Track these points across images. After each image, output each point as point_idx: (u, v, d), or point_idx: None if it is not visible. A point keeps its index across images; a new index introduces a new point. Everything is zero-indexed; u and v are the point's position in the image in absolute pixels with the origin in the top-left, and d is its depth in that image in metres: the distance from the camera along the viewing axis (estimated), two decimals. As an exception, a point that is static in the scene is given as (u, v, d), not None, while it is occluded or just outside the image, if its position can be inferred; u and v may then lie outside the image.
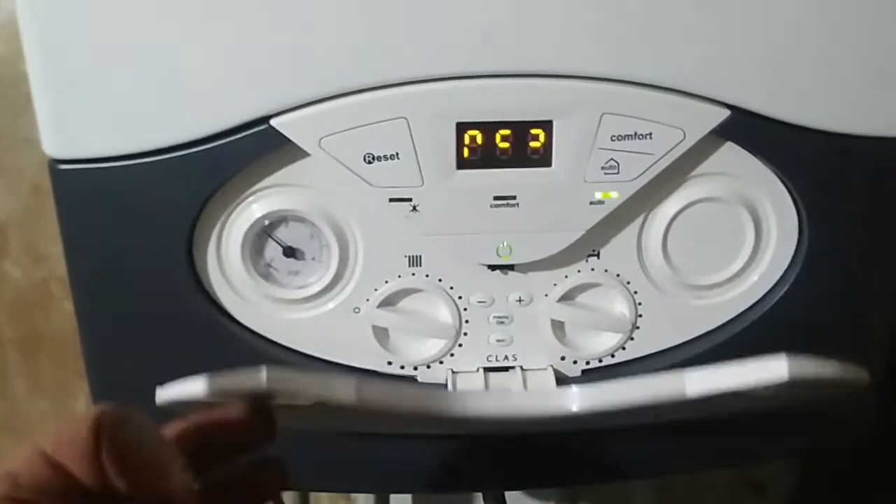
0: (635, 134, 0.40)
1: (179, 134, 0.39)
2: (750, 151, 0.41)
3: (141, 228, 0.41)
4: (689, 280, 0.44)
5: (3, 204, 0.74)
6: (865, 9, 0.38)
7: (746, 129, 0.40)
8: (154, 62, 0.37)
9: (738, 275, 0.44)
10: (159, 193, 0.40)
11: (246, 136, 0.39)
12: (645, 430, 0.43)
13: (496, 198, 0.41)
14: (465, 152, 0.40)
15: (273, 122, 0.38)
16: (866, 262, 0.44)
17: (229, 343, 0.43)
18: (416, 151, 0.39)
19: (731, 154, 0.41)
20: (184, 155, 0.39)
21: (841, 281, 0.45)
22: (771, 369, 0.35)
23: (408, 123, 0.39)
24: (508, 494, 0.61)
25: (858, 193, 0.42)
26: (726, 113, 0.40)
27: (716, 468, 0.52)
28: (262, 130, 0.39)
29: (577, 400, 0.39)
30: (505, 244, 0.42)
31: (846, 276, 0.44)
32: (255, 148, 0.39)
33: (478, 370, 0.44)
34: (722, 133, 0.40)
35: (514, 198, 0.41)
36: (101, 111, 0.38)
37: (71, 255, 0.42)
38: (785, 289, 0.44)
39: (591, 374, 0.45)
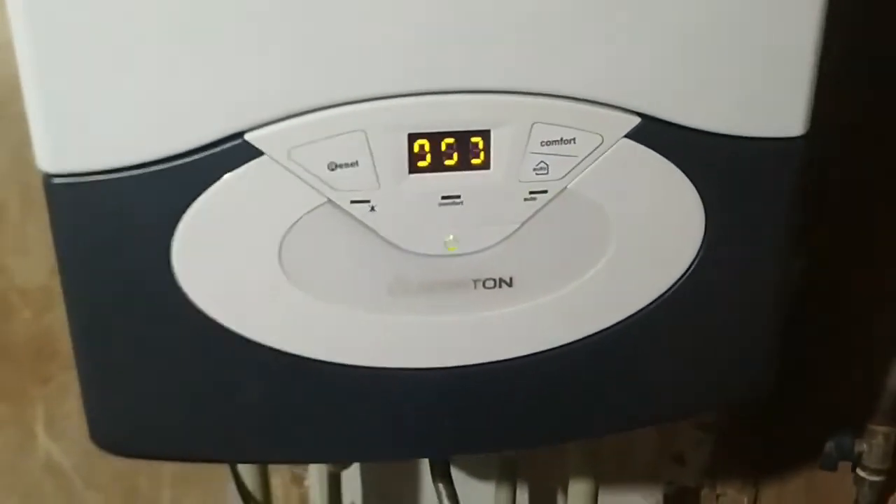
0: (561, 139, 0.46)
1: (163, 148, 0.44)
2: (659, 153, 0.48)
3: (126, 236, 0.45)
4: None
5: (-39, 219, 0.77)
6: (748, 20, 0.45)
7: (655, 133, 0.47)
8: (141, 83, 0.42)
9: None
10: (144, 203, 0.45)
11: (223, 149, 0.44)
12: (570, 392, 0.50)
13: (443, 197, 0.47)
14: (416, 159, 0.46)
15: (247, 136, 0.44)
16: (760, 251, 0.52)
17: (211, 342, 0.48)
18: (373, 159, 0.45)
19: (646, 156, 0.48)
20: (167, 168, 0.44)
21: (739, 267, 0.52)
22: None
23: (365, 135, 0.44)
24: (455, 474, 0.68)
25: (753, 189, 0.50)
26: (637, 120, 0.46)
27: (635, 428, 0.59)
28: (237, 145, 0.44)
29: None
30: (452, 237, 0.48)
31: (744, 263, 0.52)
32: (230, 160, 0.44)
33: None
34: (635, 137, 0.47)
35: (458, 197, 0.47)
36: (89, 129, 0.43)
37: (63, 262, 0.46)
38: (689, 272, 0.51)
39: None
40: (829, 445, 0.76)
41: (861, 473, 0.76)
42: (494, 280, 0.49)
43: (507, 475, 0.83)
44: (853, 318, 0.81)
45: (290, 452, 0.53)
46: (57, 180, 0.44)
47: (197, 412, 0.50)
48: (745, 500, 0.95)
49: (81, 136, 0.43)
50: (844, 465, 0.78)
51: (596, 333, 0.52)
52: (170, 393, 0.49)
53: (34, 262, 0.78)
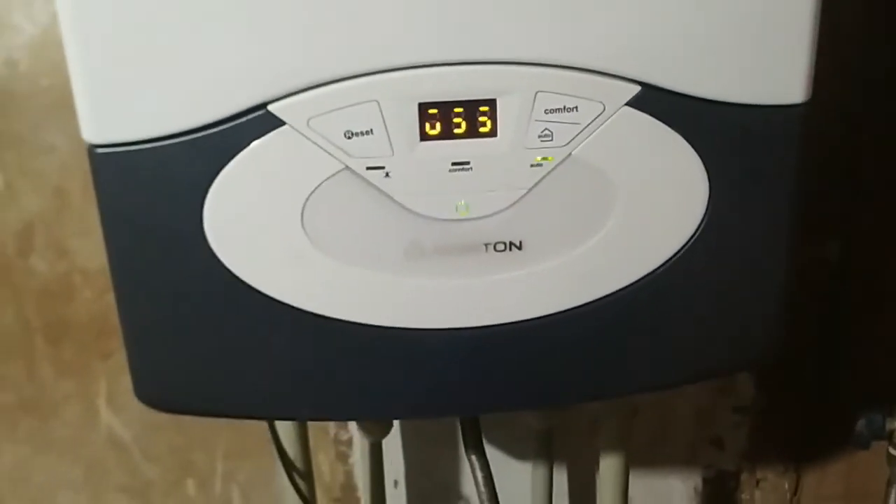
0: (564, 108, 0.49)
1: (195, 119, 0.47)
2: (660, 121, 0.50)
3: (162, 201, 0.49)
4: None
5: (29, 204, 0.83)
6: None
7: (655, 101, 0.49)
8: (175, 61, 0.46)
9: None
10: (178, 170, 0.49)
11: (248, 119, 0.48)
12: (582, 354, 0.52)
13: (453, 164, 0.49)
14: (427, 127, 0.48)
15: (270, 107, 0.48)
16: (766, 218, 0.54)
17: (239, 302, 0.52)
18: (386, 128, 0.48)
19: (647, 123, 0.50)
20: (198, 137, 0.48)
21: (745, 232, 0.54)
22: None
23: (379, 105, 0.48)
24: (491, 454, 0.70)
25: (757, 156, 0.52)
26: (637, 88, 0.49)
27: (648, 391, 0.61)
28: (261, 115, 0.48)
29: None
30: (462, 202, 0.51)
31: (750, 228, 0.53)
32: (255, 130, 0.48)
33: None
34: (636, 105, 0.49)
35: (468, 163, 0.49)
36: (128, 103, 0.47)
37: (106, 227, 0.51)
38: (695, 237, 0.53)
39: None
40: (861, 424, 0.76)
41: (893, 452, 0.76)
42: (505, 244, 0.52)
43: (543, 457, 0.85)
44: (886, 297, 0.81)
45: (315, 409, 0.57)
46: (100, 150, 0.48)
47: (228, 369, 0.54)
48: (786, 484, 0.95)
49: (121, 109, 0.47)
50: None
51: (605, 297, 0.54)
52: (203, 350, 0.53)
53: (95, 244, 0.83)
